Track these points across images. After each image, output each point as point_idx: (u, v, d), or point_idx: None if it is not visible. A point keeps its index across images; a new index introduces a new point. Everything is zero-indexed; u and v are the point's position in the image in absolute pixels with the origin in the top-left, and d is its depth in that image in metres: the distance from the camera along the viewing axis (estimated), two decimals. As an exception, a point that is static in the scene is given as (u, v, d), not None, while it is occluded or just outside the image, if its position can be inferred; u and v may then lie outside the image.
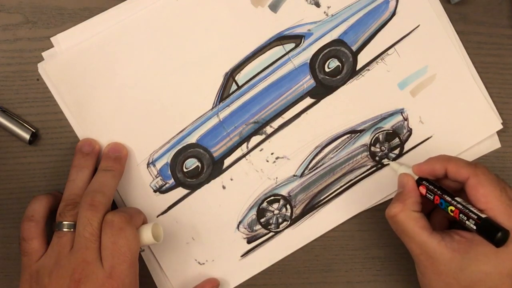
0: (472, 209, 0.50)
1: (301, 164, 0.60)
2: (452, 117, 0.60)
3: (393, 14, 0.59)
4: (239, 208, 0.60)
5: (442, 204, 0.52)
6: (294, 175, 0.60)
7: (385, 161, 0.60)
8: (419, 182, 0.54)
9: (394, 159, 0.60)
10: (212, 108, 0.59)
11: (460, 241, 0.51)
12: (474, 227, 0.49)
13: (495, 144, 0.61)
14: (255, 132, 0.60)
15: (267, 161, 0.60)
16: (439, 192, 0.52)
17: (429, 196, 0.53)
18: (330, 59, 0.59)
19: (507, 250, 0.49)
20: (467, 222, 0.50)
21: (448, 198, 0.51)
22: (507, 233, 0.48)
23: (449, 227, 0.56)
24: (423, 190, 0.53)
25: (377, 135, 0.60)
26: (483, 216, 0.49)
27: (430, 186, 0.53)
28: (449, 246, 0.50)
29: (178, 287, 0.60)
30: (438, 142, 0.60)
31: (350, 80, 0.60)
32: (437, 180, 0.54)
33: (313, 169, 0.60)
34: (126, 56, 0.58)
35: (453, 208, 0.51)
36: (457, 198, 0.51)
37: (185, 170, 0.60)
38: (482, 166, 0.52)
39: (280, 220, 0.61)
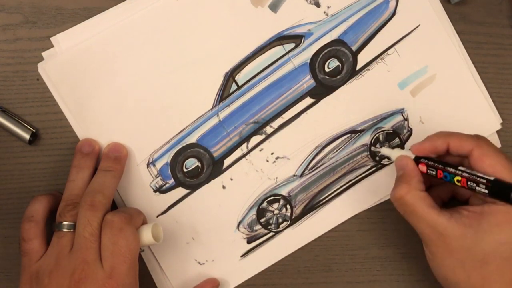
0: (478, 174, 0.49)
1: (301, 164, 0.60)
2: (452, 117, 0.60)
3: (393, 14, 0.59)
4: (239, 208, 0.60)
5: (447, 176, 0.51)
6: (294, 175, 0.60)
7: (376, 148, 0.59)
8: (416, 161, 0.53)
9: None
10: (212, 108, 0.59)
11: (470, 216, 0.50)
12: (486, 191, 0.48)
13: (495, 144, 0.61)
14: (255, 132, 0.60)
15: (267, 161, 0.60)
16: (440, 166, 0.51)
17: (431, 172, 0.52)
18: (330, 59, 0.59)
19: None
20: (477, 188, 0.49)
21: (452, 169, 0.51)
22: None
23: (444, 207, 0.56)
24: (423, 168, 0.52)
25: (377, 135, 0.60)
26: (491, 178, 0.48)
27: (430, 162, 0.52)
28: (459, 222, 0.50)
29: (178, 287, 0.60)
30: (438, 142, 0.60)
31: (350, 80, 0.60)
32: (437, 157, 0.54)
33: (313, 169, 0.60)
34: (126, 56, 0.58)
35: (459, 178, 0.50)
36: (460, 168, 0.51)
37: (185, 170, 0.60)
38: (484, 137, 0.52)
39: (280, 220, 0.61)
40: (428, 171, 0.52)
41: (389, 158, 0.57)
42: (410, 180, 0.52)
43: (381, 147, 0.60)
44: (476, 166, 0.51)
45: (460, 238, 0.50)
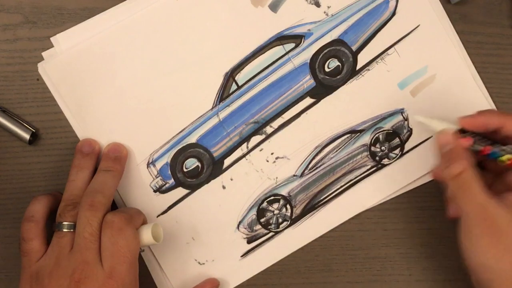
0: None
1: (301, 164, 0.60)
2: (452, 117, 0.60)
3: (393, 14, 0.59)
4: (239, 208, 0.60)
5: (496, 153, 0.50)
6: (294, 175, 0.60)
7: (416, 117, 0.54)
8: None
9: (394, 159, 0.60)
10: (212, 108, 0.59)
11: None
12: None
13: (495, 144, 0.61)
14: (255, 132, 0.60)
15: (267, 161, 0.60)
16: (489, 142, 0.50)
17: (477, 147, 0.51)
18: (330, 59, 0.59)
19: None
20: None
21: (503, 147, 0.50)
22: None
23: None
24: (469, 141, 0.51)
25: (377, 135, 0.60)
26: None
27: (477, 137, 0.51)
28: (510, 206, 0.49)
29: (178, 287, 0.60)
30: (438, 142, 0.60)
31: (350, 80, 0.60)
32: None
33: (313, 169, 0.60)
34: (126, 56, 0.58)
35: (510, 157, 0.50)
36: (510, 145, 0.50)
37: (185, 170, 0.60)
38: None
39: (280, 220, 0.61)
40: (475, 145, 0.51)
41: (425, 128, 0.55)
42: (464, 157, 0.50)
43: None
44: None
45: (507, 224, 0.48)
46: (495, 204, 0.49)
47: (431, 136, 0.60)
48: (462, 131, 0.52)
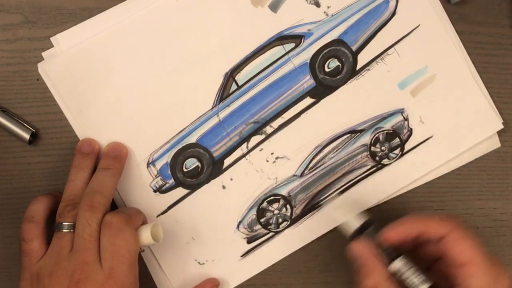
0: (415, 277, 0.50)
1: (301, 164, 0.60)
2: (452, 117, 0.60)
3: (393, 14, 0.59)
4: (239, 208, 0.60)
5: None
6: (294, 175, 0.60)
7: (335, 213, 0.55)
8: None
9: (394, 160, 0.60)
10: (212, 108, 0.59)
11: None
12: None
13: (495, 144, 0.61)
14: (255, 132, 0.60)
15: (267, 161, 0.60)
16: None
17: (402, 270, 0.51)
18: (330, 59, 0.59)
19: None
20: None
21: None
22: None
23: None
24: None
25: (377, 135, 0.60)
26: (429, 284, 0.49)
27: (383, 248, 0.51)
28: None
29: (178, 287, 0.60)
30: (438, 142, 0.60)
31: (350, 80, 0.60)
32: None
33: (313, 169, 0.60)
34: (126, 56, 0.58)
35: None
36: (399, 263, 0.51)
37: (185, 170, 0.60)
38: (459, 219, 0.51)
39: (280, 220, 0.61)
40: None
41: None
42: (376, 269, 0.50)
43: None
44: (452, 248, 0.50)
45: None
46: None
47: (432, 136, 0.60)
48: (365, 224, 0.52)
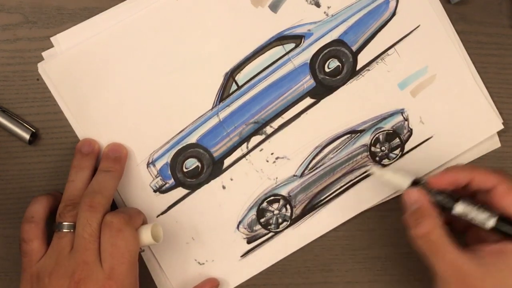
0: (484, 211, 0.50)
1: (301, 164, 0.60)
2: (452, 117, 0.60)
3: (393, 14, 0.59)
4: (239, 208, 0.60)
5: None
6: (294, 175, 0.60)
7: (371, 170, 0.55)
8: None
9: (394, 160, 0.60)
10: (212, 108, 0.59)
11: (487, 256, 0.49)
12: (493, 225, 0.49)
13: (495, 144, 0.61)
14: (255, 132, 0.60)
15: (267, 161, 0.60)
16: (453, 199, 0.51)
17: (448, 204, 0.51)
18: (330, 59, 0.59)
19: None
20: (486, 223, 0.50)
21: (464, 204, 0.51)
22: None
23: None
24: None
25: (377, 135, 0.60)
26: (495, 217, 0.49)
27: (440, 198, 0.51)
28: (481, 263, 0.48)
29: (178, 287, 0.60)
30: (438, 143, 0.60)
31: (350, 80, 0.60)
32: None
33: (313, 169, 0.60)
34: (126, 56, 0.58)
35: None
36: (463, 201, 0.51)
37: (185, 170, 0.60)
38: (505, 172, 0.51)
39: (280, 220, 0.61)
40: (441, 201, 0.51)
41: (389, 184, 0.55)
42: (432, 215, 0.50)
43: (373, 166, 0.56)
44: (500, 201, 0.50)
45: (481, 279, 0.48)
46: (467, 260, 0.49)
47: (432, 137, 0.60)
48: (415, 182, 0.52)
